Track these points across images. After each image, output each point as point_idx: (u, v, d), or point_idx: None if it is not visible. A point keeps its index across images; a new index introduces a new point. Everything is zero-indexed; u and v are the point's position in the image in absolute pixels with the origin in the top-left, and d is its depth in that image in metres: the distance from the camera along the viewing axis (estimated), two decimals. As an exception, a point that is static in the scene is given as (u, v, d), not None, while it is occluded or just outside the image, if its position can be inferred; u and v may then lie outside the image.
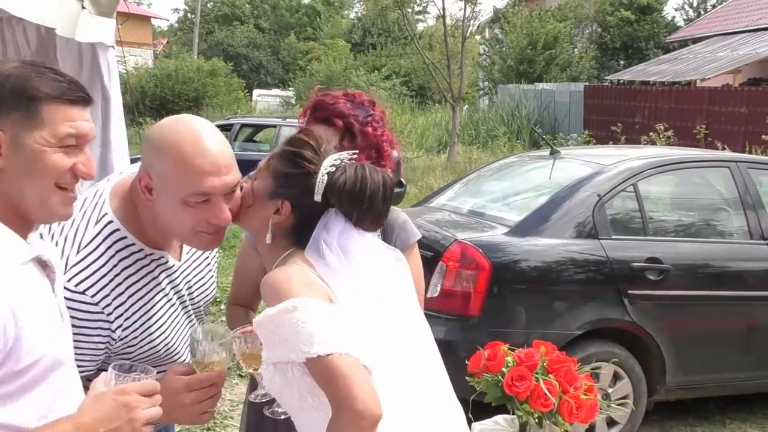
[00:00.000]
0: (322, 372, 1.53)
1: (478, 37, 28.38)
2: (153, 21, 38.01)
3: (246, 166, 8.14)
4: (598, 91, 21.11)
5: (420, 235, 2.38)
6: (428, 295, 4.43)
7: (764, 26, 20.14)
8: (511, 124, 21.30)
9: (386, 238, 2.26)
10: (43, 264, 1.48)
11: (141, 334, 1.77)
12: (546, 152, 5.63)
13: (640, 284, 4.50)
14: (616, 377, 4.53)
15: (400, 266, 1.81)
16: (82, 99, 1.47)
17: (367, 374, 1.56)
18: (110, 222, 1.74)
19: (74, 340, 1.60)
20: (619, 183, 4.71)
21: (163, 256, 1.82)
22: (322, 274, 1.65)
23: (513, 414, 2.09)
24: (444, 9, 18.85)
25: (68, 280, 1.66)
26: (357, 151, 1.78)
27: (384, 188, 1.71)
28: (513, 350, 2.15)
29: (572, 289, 4.46)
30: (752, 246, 4.91)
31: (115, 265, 1.72)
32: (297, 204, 1.71)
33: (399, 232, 2.29)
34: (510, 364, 2.09)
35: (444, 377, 1.79)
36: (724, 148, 12.81)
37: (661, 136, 14.78)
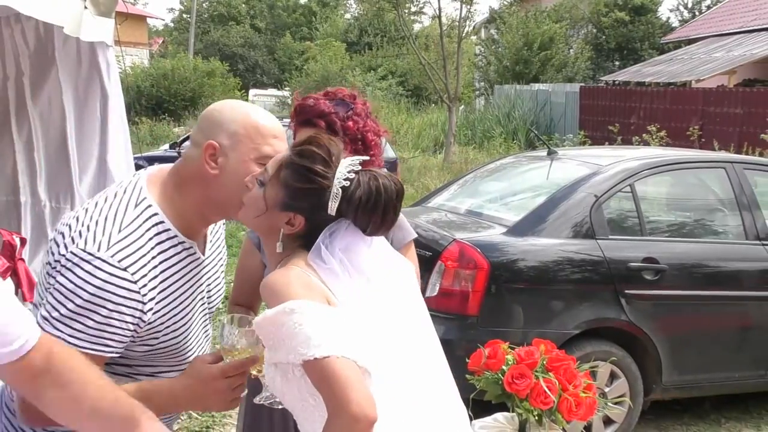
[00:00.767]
0: (319, 374, 1.54)
1: (474, 38, 28.41)
2: (149, 21, 37.99)
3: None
4: (593, 91, 21.16)
5: (415, 234, 2.41)
6: (426, 295, 4.45)
7: (759, 27, 20.21)
8: (506, 124, 21.33)
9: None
10: None
11: (167, 321, 1.78)
12: (543, 153, 5.66)
13: (636, 284, 4.53)
14: (612, 376, 4.56)
15: (405, 268, 1.82)
16: None
17: (364, 378, 1.56)
18: (150, 206, 1.77)
19: (106, 317, 1.63)
20: (616, 183, 4.74)
21: (193, 247, 1.85)
22: (323, 277, 1.65)
23: (513, 412, 2.12)
24: (440, 9, 18.91)
25: (111, 256, 1.65)
26: (367, 158, 1.76)
27: (397, 197, 1.70)
28: (513, 348, 2.17)
29: (569, 288, 4.49)
30: (747, 246, 4.94)
31: (152, 248, 1.74)
32: (310, 217, 1.69)
33: (395, 231, 2.30)
34: (510, 363, 2.12)
35: (449, 380, 1.79)
36: (721, 149, 12.86)
37: (654, 136, 14.83)
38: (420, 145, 20.29)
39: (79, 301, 1.61)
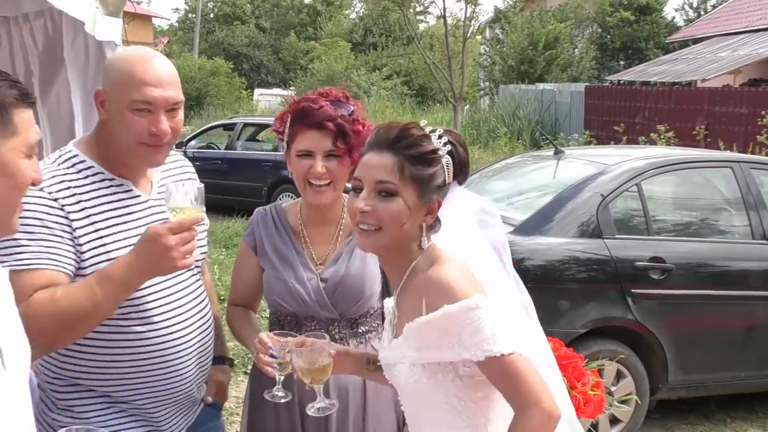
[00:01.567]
0: (504, 371, 1.54)
1: (479, 37, 28.39)
2: (154, 20, 38.03)
3: (249, 165, 8.34)
4: (598, 91, 21.12)
5: None
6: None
7: (765, 27, 20.16)
8: (511, 124, 21.30)
9: None
10: None
11: (108, 248, 1.92)
12: (550, 152, 5.67)
13: (643, 283, 4.54)
14: (618, 375, 4.57)
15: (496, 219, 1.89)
16: (35, 100, 1.43)
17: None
18: (70, 151, 2.02)
19: (39, 233, 1.79)
20: (622, 183, 4.75)
21: (124, 184, 2.01)
22: (465, 263, 1.70)
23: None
24: (445, 9, 18.90)
25: (39, 189, 1.82)
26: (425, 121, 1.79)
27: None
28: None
29: (576, 287, 4.50)
30: (754, 246, 4.95)
31: (76, 179, 1.95)
32: (442, 197, 1.74)
33: None
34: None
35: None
36: (728, 149, 12.84)
37: (661, 137, 14.81)
38: (425, 144, 20.25)
39: (20, 230, 1.69)
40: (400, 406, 2.26)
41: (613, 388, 4.47)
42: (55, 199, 1.87)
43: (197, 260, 2.10)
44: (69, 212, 1.88)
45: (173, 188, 1.82)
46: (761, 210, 4.99)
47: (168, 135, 1.95)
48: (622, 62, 29.81)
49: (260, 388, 2.27)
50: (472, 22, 19.73)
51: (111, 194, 1.96)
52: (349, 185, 2.00)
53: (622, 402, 4.18)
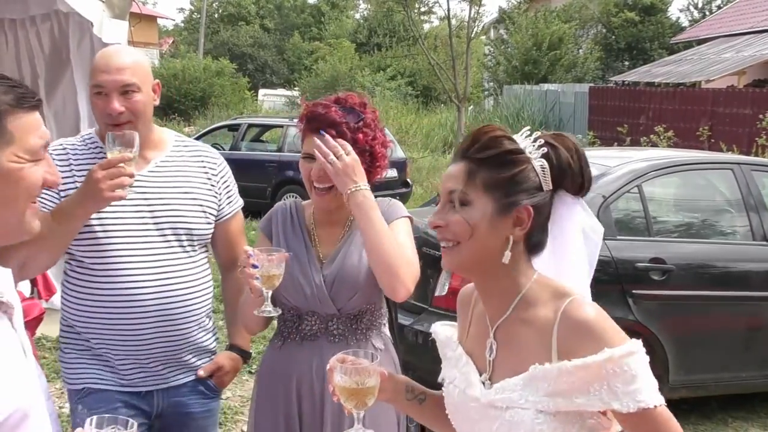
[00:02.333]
0: (654, 423, 1.44)
1: (483, 38, 28.43)
2: (159, 21, 38.12)
3: (253, 165, 8.42)
4: (602, 92, 21.13)
5: (409, 214, 2.33)
6: (436, 294, 4.51)
7: (769, 28, 20.16)
8: (515, 124, 21.32)
9: None
10: None
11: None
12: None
13: (644, 284, 4.57)
14: (619, 375, 4.59)
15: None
16: (39, 102, 1.38)
17: None
18: (88, 132, 2.45)
19: None
20: (624, 184, 4.78)
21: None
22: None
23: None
24: (449, 10, 18.96)
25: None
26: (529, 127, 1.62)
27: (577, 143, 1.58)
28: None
29: (577, 288, 4.52)
30: (754, 247, 4.98)
31: (73, 145, 2.38)
32: (535, 205, 1.50)
33: (385, 208, 2.26)
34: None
35: None
36: (730, 150, 12.84)
37: (662, 137, 14.82)
38: (429, 145, 20.33)
39: None
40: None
41: (614, 388, 4.50)
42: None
43: (198, 239, 2.40)
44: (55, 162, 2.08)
45: (110, 137, 2.12)
46: (761, 211, 5.01)
47: (119, 113, 2.22)
48: (626, 63, 29.79)
49: (265, 388, 2.32)
50: (476, 23, 19.81)
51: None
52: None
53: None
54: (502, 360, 1.55)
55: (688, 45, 24.87)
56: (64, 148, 2.35)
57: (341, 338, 2.25)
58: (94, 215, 2.22)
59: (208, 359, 2.49)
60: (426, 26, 33.66)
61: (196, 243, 2.40)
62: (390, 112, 22.26)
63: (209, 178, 2.46)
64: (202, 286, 2.42)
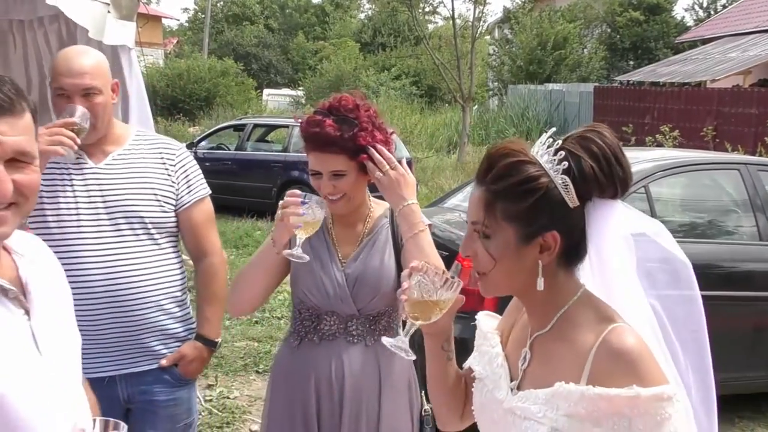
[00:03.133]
0: None
1: (487, 38, 28.42)
2: (163, 21, 38.19)
3: (258, 165, 8.46)
4: (607, 91, 21.12)
5: (429, 221, 2.40)
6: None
7: (775, 27, 20.13)
8: (520, 124, 21.36)
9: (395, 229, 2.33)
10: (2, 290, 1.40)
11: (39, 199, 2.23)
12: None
13: (651, 284, 4.56)
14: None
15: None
16: (11, 107, 1.35)
17: None
18: None
19: None
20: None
21: (80, 156, 2.42)
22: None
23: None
24: (453, 9, 18.97)
25: None
26: (554, 128, 1.54)
27: (614, 138, 1.46)
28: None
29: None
30: (761, 247, 4.98)
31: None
32: (561, 227, 1.43)
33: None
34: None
35: None
36: (735, 150, 12.83)
37: (667, 137, 14.81)
38: (434, 145, 20.34)
39: None
40: (417, 409, 2.32)
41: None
42: None
43: (154, 227, 2.48)
44: None
45: (68, 109, 2.32)
46: (768, 212, 5.02)
47: (76, 113, 2.34)
48: (631, 62, 29.77)
49: (280, 388, 2.33)
50: (481, 23, 19.79)
51: (62, 160, 2.37)
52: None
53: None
54: (532, 371, 1.52)
55: (692, 44, 24.84)
56: None
57: (359, 339, 2.27)
58: (48, 206, 2.37)
59: (177, 348, 2.57)
60: (430, 26, 33.69)
61: (152, 230, 2.48)
62: (395, 111, 22.27)
63: (166, 168, 2.55)
64: (163, 273, 2.49)
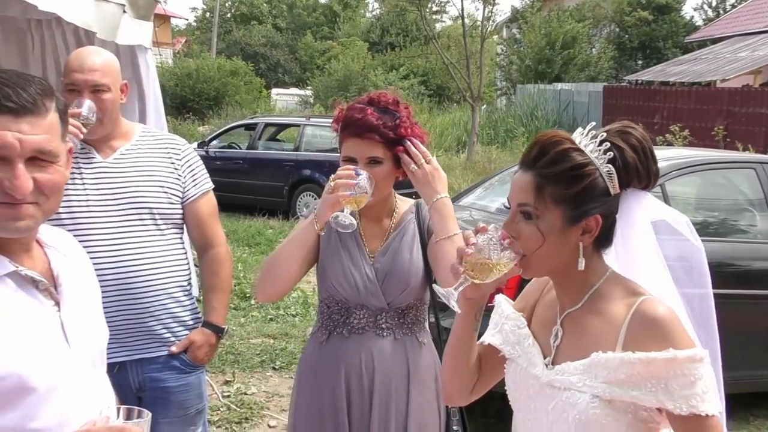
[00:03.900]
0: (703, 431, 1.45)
1: (496, 37, 28.39)
2: (172, 20, 38.26)
3: (270, 164, 8.53)
4: (617, 91, 21.09)
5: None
6: (460, 292, 4.54)
7: (785, 27, 20.06)
8: (529, 124, 21.33)
9: (422, 225, 2.36)
10: (30, 280, 1.43)
11: None
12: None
13: (666, 282, 4.57)
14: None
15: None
16: (20, 108, 1.37)
17: None
18: None
19: None
20: (646, 184, 4.79)
21: (86, 149, 2.53)
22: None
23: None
24: (462, 9, 18.97)
25: None
26: (594, 123, 1.70)
27: (648, 135, 1.63)
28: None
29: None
30: (777, 246, 4.98)
31: None
32: (603, 212, 1.56)
33: (427, 213, 2.35)
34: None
35: None
36: (745, 150, 12.80)
37: (677, 136, 14.79)
38: (443, 144, 20.34)
39: None
40: (443, 402, 2.35)
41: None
42: None
43: (161, 218, 2.55)
44: None
45: (77, 101, 2.41)
46: (784, 211, 5.03)
47: (83, 108, 2.44)
48: (640, 62, 29.71)
49: (309, 381, 2.36)
50: (490, 22, 19.78)
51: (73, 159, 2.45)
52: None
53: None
54: (565, 346, 1.61)
55: (702, 44, 24.78)
56: None
57: (389, 332, 2.30)
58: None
59: (186, 335, 2.64)
60: (438, 26, 33.69)
61: (160, 222, 2.57)
62: (403, 111, 22.23)
63: (172, 163, 2.64)
64: (170, 263, 2.58)
